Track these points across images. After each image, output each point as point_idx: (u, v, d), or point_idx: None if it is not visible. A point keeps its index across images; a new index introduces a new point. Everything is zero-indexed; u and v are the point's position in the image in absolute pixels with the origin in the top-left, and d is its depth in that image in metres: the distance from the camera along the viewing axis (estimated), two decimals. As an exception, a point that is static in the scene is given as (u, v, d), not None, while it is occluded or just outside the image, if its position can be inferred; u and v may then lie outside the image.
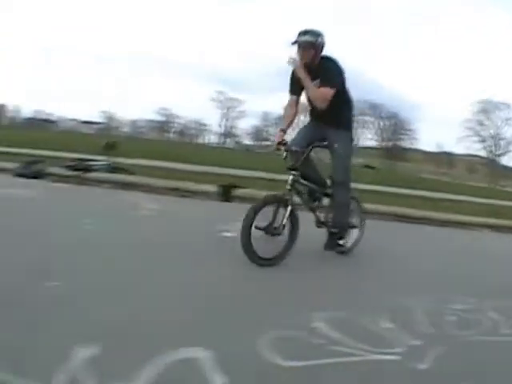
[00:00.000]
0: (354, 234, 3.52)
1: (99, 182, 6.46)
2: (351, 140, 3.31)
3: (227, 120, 61.29)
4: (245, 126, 75.87)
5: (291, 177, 2.92)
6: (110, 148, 7.55)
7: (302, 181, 3.09)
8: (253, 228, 2.70)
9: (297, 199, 3.04)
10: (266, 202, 2.81)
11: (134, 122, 63.27)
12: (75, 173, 6.67)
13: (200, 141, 59.68)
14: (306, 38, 2.92)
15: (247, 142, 60.69)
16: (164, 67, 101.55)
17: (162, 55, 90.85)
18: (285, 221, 2.81)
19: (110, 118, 61.93)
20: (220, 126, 61.54)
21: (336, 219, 3.27)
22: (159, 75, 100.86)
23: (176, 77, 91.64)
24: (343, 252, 3.39)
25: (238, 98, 59.82)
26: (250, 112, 61.89)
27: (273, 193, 3.01)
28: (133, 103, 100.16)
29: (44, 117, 57.96)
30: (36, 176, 6.36)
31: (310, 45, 2.93)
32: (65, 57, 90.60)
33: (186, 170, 7.28)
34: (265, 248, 2.74)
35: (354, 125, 3.40)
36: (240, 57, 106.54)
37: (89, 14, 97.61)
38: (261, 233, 2.77)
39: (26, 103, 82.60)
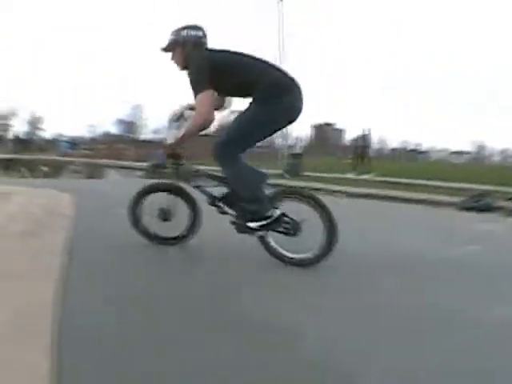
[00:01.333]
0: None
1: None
2: (259, 113, 2.34)
3: None
4: None
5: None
6: None
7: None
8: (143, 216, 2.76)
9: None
10: (149, 191, 2.79)
11: (503, 151, 62.58)
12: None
13: None
14: (169, 37, 2.53)
15: None
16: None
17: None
18: (168, 207, 2.72)
19: (481, 146, 61.67)
20: None
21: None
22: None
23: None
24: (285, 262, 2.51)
25: None
26: None
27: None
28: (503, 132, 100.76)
29: (411, 147, 61.40)
30: (483, 209, 6.25)
31: (172, 43, 2.51)
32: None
33: None
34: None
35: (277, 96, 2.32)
36: None
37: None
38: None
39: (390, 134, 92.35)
